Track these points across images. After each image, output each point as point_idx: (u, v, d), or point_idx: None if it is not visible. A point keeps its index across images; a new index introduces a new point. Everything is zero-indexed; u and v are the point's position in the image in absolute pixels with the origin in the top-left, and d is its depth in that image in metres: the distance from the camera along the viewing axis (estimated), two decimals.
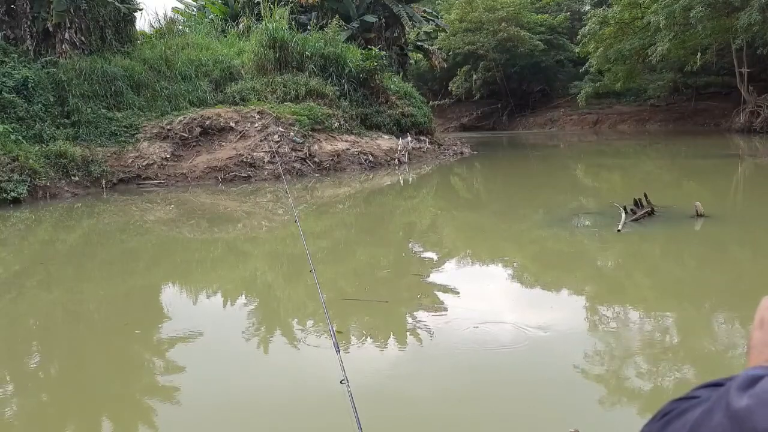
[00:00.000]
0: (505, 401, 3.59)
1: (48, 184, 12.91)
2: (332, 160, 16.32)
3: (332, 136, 16.99)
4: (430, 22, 29.14)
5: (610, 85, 34.53)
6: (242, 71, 18.25)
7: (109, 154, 14.64)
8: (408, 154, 18.50)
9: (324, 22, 21.14)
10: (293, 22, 19.87)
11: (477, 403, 3.52)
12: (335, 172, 16.04)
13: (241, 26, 22.36)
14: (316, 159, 16.01)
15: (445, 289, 5.93)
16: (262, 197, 13.23)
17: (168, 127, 15.48)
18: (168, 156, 15.12)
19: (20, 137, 13.22)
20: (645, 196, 8.45)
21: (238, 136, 15.70)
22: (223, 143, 15.65)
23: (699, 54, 27.55)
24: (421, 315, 5.05)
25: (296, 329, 4.97)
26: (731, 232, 7.87)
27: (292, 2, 22.08)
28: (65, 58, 15.42)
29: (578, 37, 33.56)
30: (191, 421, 3.51)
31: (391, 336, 4.62)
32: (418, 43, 30.23)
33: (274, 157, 15.23)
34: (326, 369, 3.66)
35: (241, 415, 3.44)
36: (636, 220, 8.03)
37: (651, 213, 8.28)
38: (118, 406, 3.75)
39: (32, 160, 12.71)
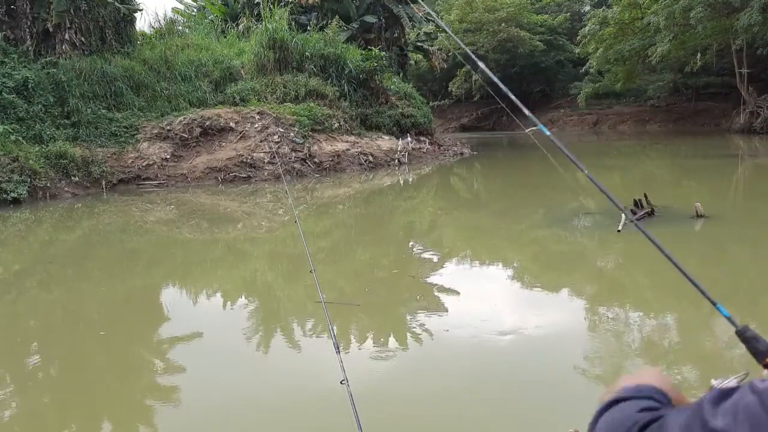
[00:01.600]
0: (505, 401, 3.58)
1: (48, 184, 12.91)
2: (332, 160, 16.33)
3: (332, 137, 17.00)
4: (430, 22, 29.13)
5: (610, 85, 34.54)
6: (242, 72, 18.26)
7: (109, 155, 14.64)
8: (408, 154, 18.50)
9: (324, 22, 21.15)
10: (293, 23, 19.87)
11: (477, 403, 3.52)
12: (335, 172, 16.05)
13: (241, 27, 22.37)
14: (316, 159, 16.01)
15: (445, 289, 5.93)
16: (262, 198, 13.23)
17: (168, 127, 15.49)
18: (168, 156, 15.12)
19: (20, 138, 13.22)
20: (645, 196, 8.44)
21: (238, 137, 15.71)
22: (223, 144, 15.65)
23: (699, 54, 27.57)
24: (421, 315, 5.04)
25: (296, 330, 4.97)
26: (731, 233, 7.86)
27: (292, 3, 22.08)
28: (65, 59, 15.42)
29: (578, 37, 33.58)
30: (191, 421, 3.51)
31: (391, 337, 4.62)
32: (418, 44, 30.24)
33: (274, 157, 15.23)
34: (326, 369, 3.66)
35: (241, 416, 3.44)
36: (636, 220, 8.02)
37: (651, 213, 8.28)
38: (117, 406, 3.75)
39: (32, 160, 12.71)
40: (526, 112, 1.58)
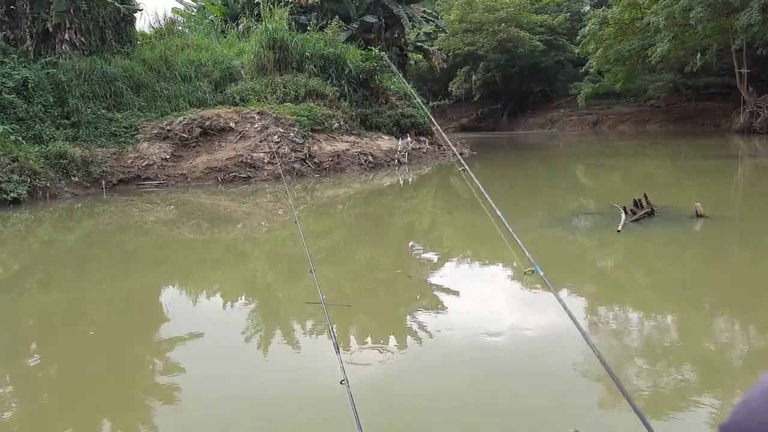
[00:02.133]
0: (505, 402, 3.58)
1: (48, 184, 12.91)
2: (332, 160, 16.33)
3: (332, 137, 17.00)
4: (430, 22, 29.17)
5: (609, 85, 34.54)
6: (242, 72, 18.26)
7: (108, 155, 14.65)
8: (408, 154, 18.50)
9: (324, 22, 21.16)
10: (293, 23, 19.88)
11: (477, 403, 3.52)
12: (335, 172, 16.04)
13: (240, 27, 22.38)
14: (316, 159, 16.01)
15: (444, 289, 5.93)
16: (262, 198, 13.23)
17: (168, 127, 15.49)
18: (168, 156, 15.12)
19: (20, 138, 13.22)
20: (645, 196, 8.44)
21: (238, 137, 15.71)
22: (223, 144, 15.65)
23: (699, 54, 27.58)
24: (421, 315, 5.05)
25: (296, 330, 4.97)
26: (731, 233, 7.87)
27: (291, 3, 22.09)
28: (65, 59, 15.42)
29: (578, 37, 33.59)
30: (191, 421, 3.51)
31: (391, 337, 4.62)
32: (418, 44, 30.26)
33: (274, 157, 15.23)
34: (326, 369, 3.66)
35: (240, 416, 3.44)
36: (636, 220, 8.03)
37: (651, 213, 8.28)
38: (117, 406, 3.75)
39: (32, 160, 12.71)
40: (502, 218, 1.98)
